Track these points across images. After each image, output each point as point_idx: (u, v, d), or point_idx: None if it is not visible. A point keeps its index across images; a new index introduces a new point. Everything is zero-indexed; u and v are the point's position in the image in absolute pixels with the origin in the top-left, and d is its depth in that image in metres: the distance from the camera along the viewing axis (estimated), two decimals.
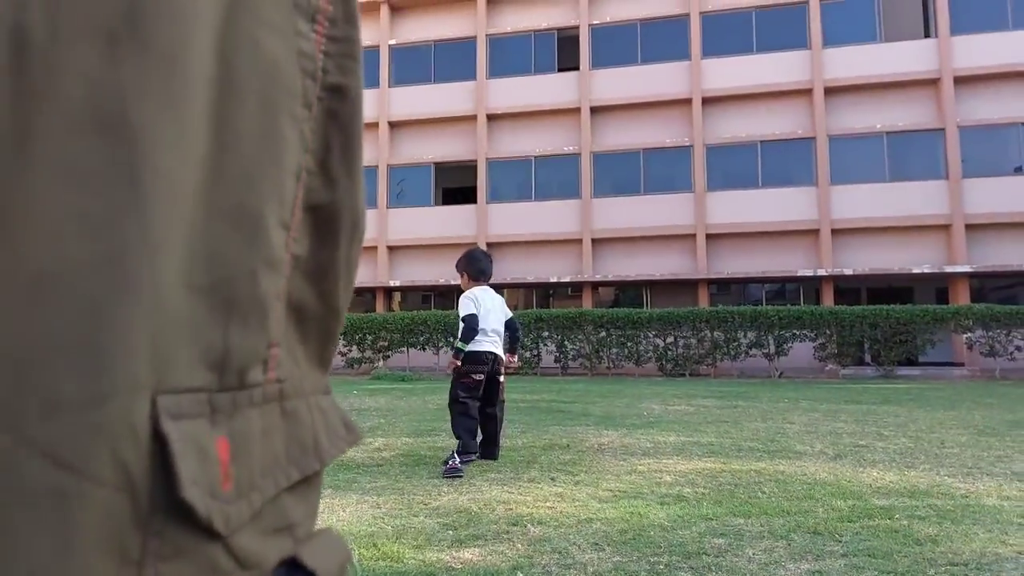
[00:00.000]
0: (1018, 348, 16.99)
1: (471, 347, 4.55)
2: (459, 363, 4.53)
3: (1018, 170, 20.51)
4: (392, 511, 3.12)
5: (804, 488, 3.58)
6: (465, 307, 4.65)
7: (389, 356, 19.72)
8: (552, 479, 3.88)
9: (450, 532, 2.74)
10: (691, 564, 2.34)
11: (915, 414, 7.57)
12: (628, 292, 23.27)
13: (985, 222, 20.14)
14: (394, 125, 24.52)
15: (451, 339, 18.93)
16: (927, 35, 21.56)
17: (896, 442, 5.35)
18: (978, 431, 6.05)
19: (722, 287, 22.73)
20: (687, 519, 2.94)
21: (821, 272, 20.65)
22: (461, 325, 4.59)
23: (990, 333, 17.24)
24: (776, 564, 2.33)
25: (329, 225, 0.32)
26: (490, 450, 4.57)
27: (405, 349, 19.46)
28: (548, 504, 3.24)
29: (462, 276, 4.89)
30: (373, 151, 24.46)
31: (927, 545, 2.56)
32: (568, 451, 4.93)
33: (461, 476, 3.94)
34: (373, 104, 24.50)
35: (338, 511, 3.14)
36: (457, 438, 4.38)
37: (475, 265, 4.86)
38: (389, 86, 24.50)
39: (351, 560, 0.33)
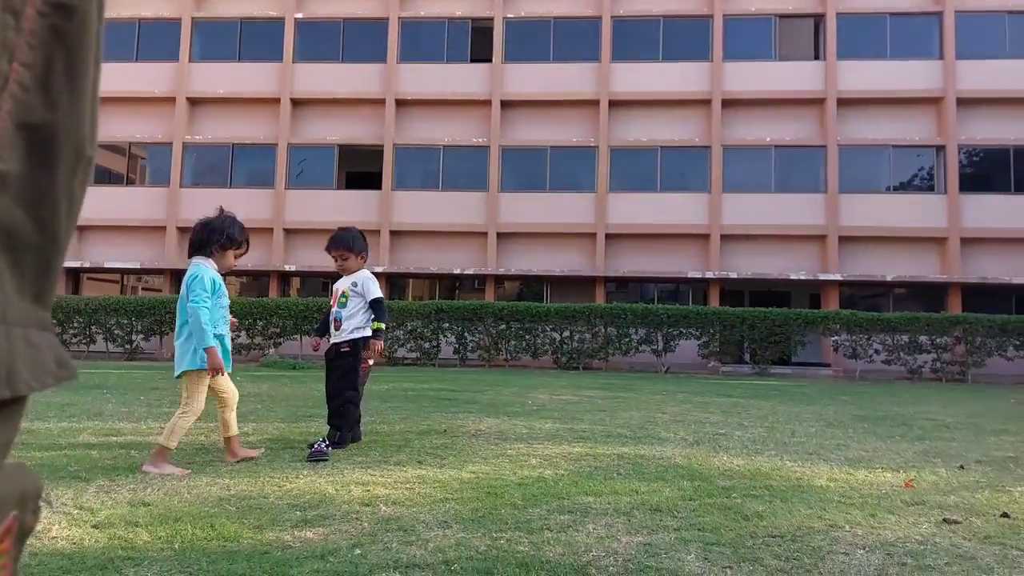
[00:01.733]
0: (876, 351, 18.53)
1: (368, 333, 4.44)
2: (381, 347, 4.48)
3: (888, 189, 22.29)
4: (241, 493, 3.02)
5: (658, 471, 3.75)
6: (377, 287, 4.59)
7: (280, 343, 19.12)
8: (419, 462, 3.88)
9: (297, 513, 2.69)
10: (532, 539, 2.40)
11: (777, 408, 8.09)
12: (531, 287, 23.58)
13: (856, 235, 21.75)
14: (297, 103, 23.70)
15: None
16: (816, 57, 23.01)
17: (752, 431, 5.70)
18: (827, 423, 6.54)
19: (620, 285, 23.43)
20: (540, 499, 3.01)
21: (709, 274, 21.69)
22: (377, 304, 4.50)
23: (853, 337, 18.68)
24: (611, 538, 2.43)
25: (46, 147, 0.31)
26: (356, 432, 4.58)
27: (298, 336, 18.92)
28: (407, 486, 3.24)
29: (356, 257, 4.61)
30: (273, 128, 23.56)
31: (753, 520, 2.75)
32: (443, 436, 4.94)
33: (327, 460, 3.84)
34: (275, 79, 23.58)
35: (182, 492, 3.01)
36: (337, 429, 4.22)
37: (366, 245, 4.76)
38: (293, 61, 23.65)
39: (42, 495, 0.33)
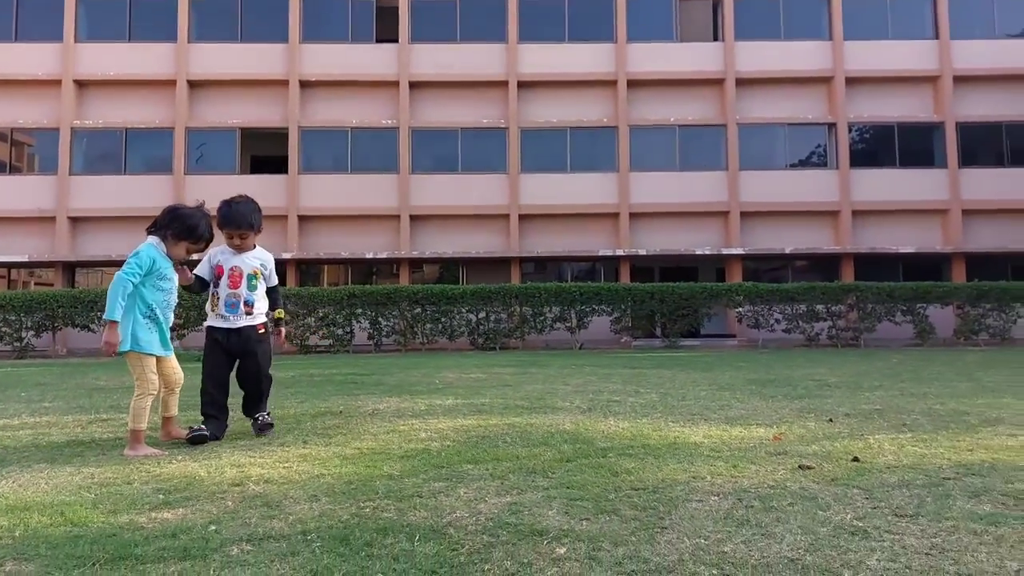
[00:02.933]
0: (777, 321, 19.52)
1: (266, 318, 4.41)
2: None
3: (785, 166, 23.39)
4: (104, 481, 2.89)
5: (543, 437, 3.84)
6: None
7: (185, 335, 18.31)
8: (304, 442, 3.82)
9: (160, 496, 2.60)
10: (399, 506, 2.41)
11: (676, 376, 8.41)
12: (447, 269, 23.49)
13: (757, 210, 22.76)
14: (194, 84, 22.60)
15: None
16: (715, 39, 23.77)
17: (646, 397, 5.91)
18: (719, 387, 6.85)
19: (537, 266, 23.68)
20: (419, 470, 3.03)
21: (619, 252, 22.23)
22: (276, 291, 4.38)
23: (756, 308, 19.60)
24: (479, 500, 2.48)
25: None
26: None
27: (201, 327, 18.16)
28: (285, 465, 3.18)
29: (255, 234, 4.23)
30: (169, 111, 22.40)
31: (621, 476, 2.85)
32: (338, 417, 4.88)
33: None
34: (170, 60, 22.38)
35: (40, 483, 2.85)
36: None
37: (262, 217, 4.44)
38: (189, 41, 22.50)
39: None
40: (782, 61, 23.13)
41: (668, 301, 19.18)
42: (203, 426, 3.92)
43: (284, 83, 22.59)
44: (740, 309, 19.72)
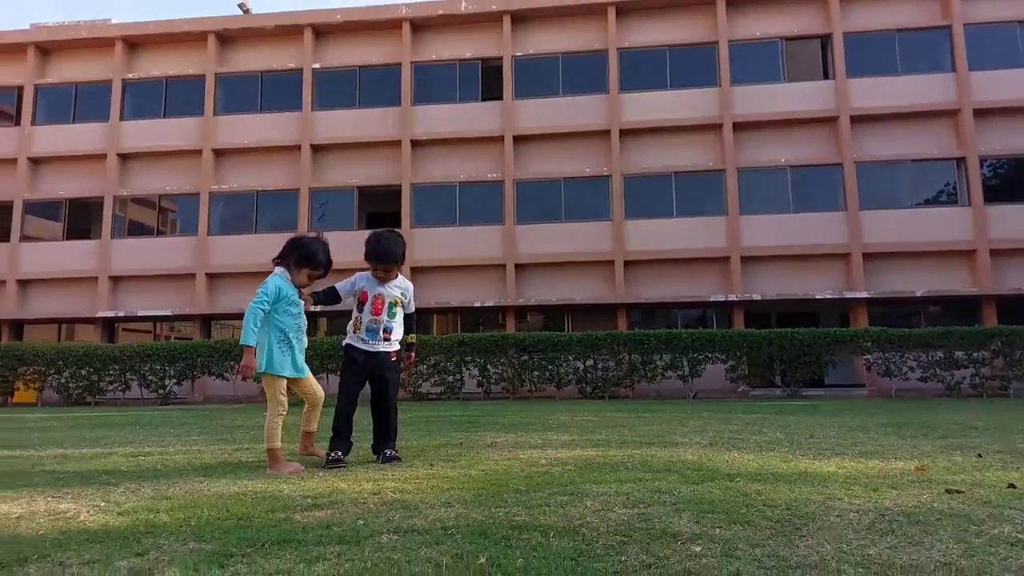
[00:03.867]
0: (911, 368, 18.14)
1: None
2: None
3: (911, 204, 22.10)
4: (257, 490, 3.16)
5: (666, 465, 3.80)
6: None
7: None
8: (431, 465, 3.98)
9: (309, 500, 2.81)
10: (529, 512, 2.49)
11: (802, 419, 8.02)
12: (553, 317, 23.64)
13: (881, 251, 21.54)
14: (317, 148, 24.40)
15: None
16: (826, 76, 23.15)
17: (770, 436, 5.69)
18: (849, 428, 6.49)
19: (645, 314, 23.39)
20: (544, 486, 3.09)
21: (732, 297, 21.58)
22: (412, 319, 4.61)
23: (886, 355, 18.34)
24: (607, 510, 2.51)
25: None
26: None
27: (325, 375, 19.10)
28: (416, 481, 3.34)
29: (399, 266, 4.51)
30: (295, 174, 24.25)
31: (751, 495, 2.80)
32: (459, 448, 5.03)
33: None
34: (296, 127, 24.36)
35: (203, 490, 3.15)
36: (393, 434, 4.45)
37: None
38: (312, 109, 24.43)
39: None
40: (901, 96, 22.15)
41: (788, 348, 18.32)
42: (337, 451, 4.14)
43: (397, 143, 23.97)
44: (869, 356, 18.52)
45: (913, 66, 22.43)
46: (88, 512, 2.62)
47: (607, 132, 23.08)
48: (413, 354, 4.56)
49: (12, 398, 20.21)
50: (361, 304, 4.37)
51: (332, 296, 4.41)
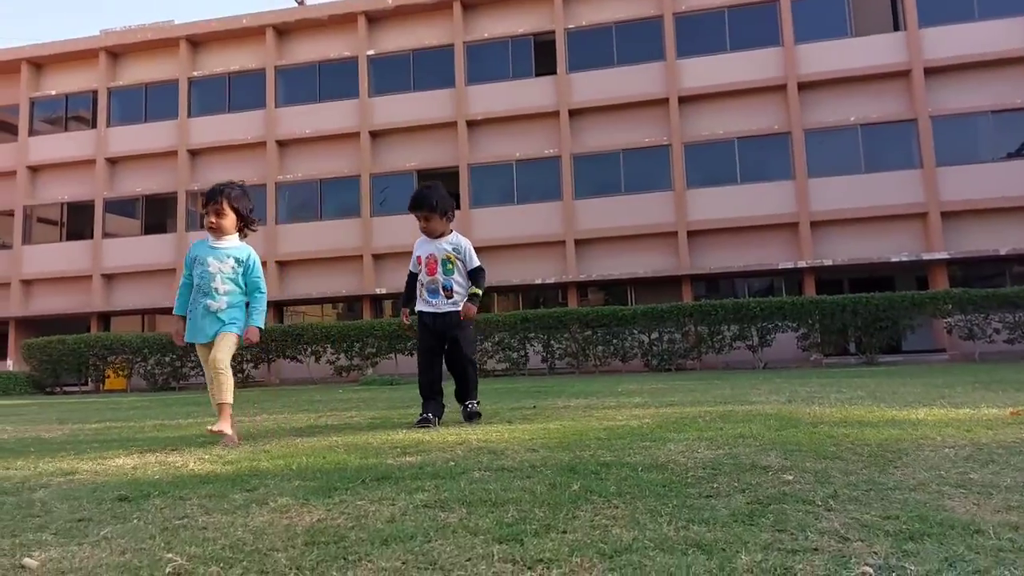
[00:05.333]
0: (996, 331, 17.26)
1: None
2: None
3: (992, 158, 20.89)
4: (348, 442, 3.30)
5: (744, 417, 3.77)
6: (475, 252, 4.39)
7: (377, 363, 19.83)
8: (508, 423, 4.06)
9: (398, 449, 2.92)
10: (614, 453, 2.52)
11: (882, 381, 7.77)
12: (615, 291, 23.47)
13: (960, 209, 20.49)
14: (375, 135, 24.78)
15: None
16: (896, 28, 22.01)
17: (849, 393, 5.55)
18: (934, 386, 6.25)
19: (710, 284, 22.98)
20: (623, 435, 3.12)
21: (802, 264, 20.94)
22: (480, 273, 4.38)
23: (968, 317, 17.49)
24: (692, 452, 2.51)
25: None
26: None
27: (393, 355, 19.58)
28: (497, 433, 3.42)
29: (440, 218, 4.29)
30: (355, 161, 24.70)
31: (838, 437, 2.75)
32: (532, 411, 5.10)
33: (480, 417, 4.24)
34: (354, 114, 24.77)
35: (297, 444, 3.31)
36: (475, 390, 4.44)
37: (453, 203, 4.49)
38: (369, 96, 24.78)
39: None
40: (979, 44, 20.85)
41: (862, 313, 17.68)
42: (426, 413, 4.12)
43: (453, 125, 24.10)
44: (949, 319, 17.71)
45: (992, 9, 21.06)
46: (195, 463, 2.80)
47: (665, 100, 22.61)
48: (474, 308, 4.31)
49: (104, 385, 21.48)
50: (419, 268, 4.34)
51: (411, 283, 4.40)
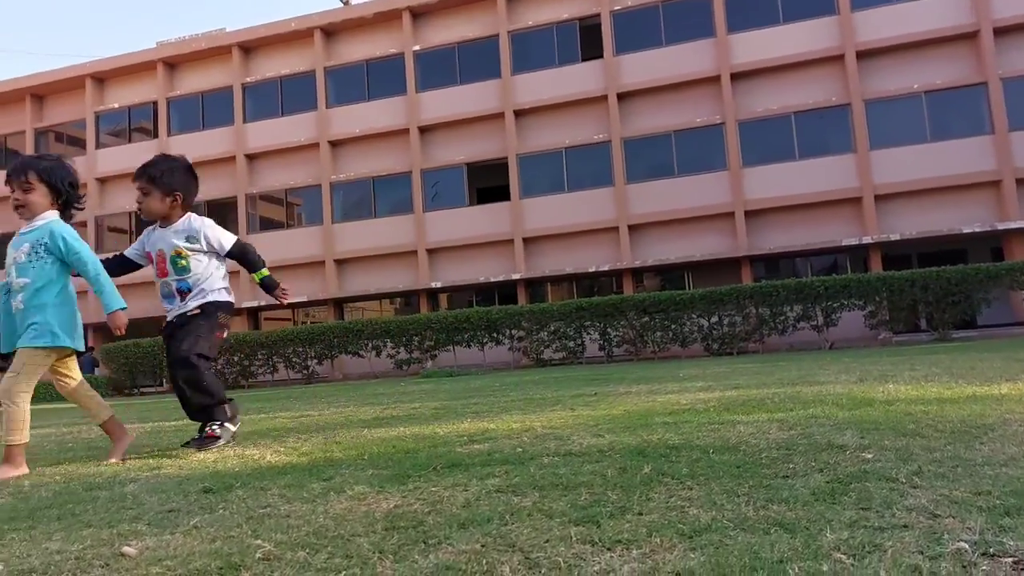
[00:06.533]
0: None
1: (222, 296, 3.49)
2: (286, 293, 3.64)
3: None
4: (415, 433, 3.36)
5: (815, 398, 3.67)
6: (223, 230, 3.55)
7: (436, 355, 20.08)
8: (571, 409, 4.06)
9: (465, 438, 2.96)
10: (682, 436, 2.49)
11: (957, 357, 7.45)
12: (671, 276, 23.14)
13: None
14: (424, 130, 24.99)
15: (496, 334, 19.17)
16: None
17: (924, 370, 5.34)
18: (1016, 360, 5.96)
19: (770, 265, 22.42)
20: (690, 418, 3.08)
21: (867, 240, 20.22)
22: (243, 251, 3.55)
23: None
24: (763, 433, 2.46)
25: None
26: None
27: (451, 347, 19.79)
28: (561, 420, 3.42)
29: (161, 196, 3.38)
30: (406, 157, 24.97)
31: (916, 415, 2.65)
32: (593, 397, 5.08)
33: (222, 443, 3.22)
34: (403, 110, 25.03)
35: (367, 436, 3.39)
36: (220, 402, 3.38)
37: (195, 186, 3.56)
38: (417, 92, 24.99)
39: None
40: None
41: (933, 288, 16.96)
42: (215, 428, 3.30)
43: (500, 116, 24.11)
44: None
45: None
46: (272, 455, 2.90)
47: (716, 78, 22.09)
48: (279, 292, 3.62)
49: None
50: (148, 262, 3.51)
51: (121, 265, 3.51)
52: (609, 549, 1.24)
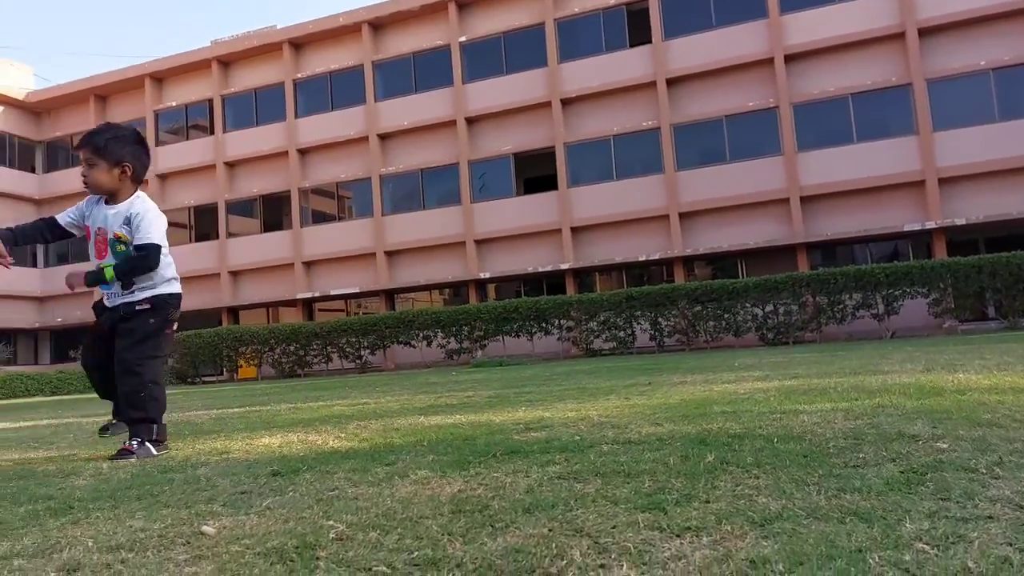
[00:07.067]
0: None
1: (173, 288, 3.18)
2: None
3: None
4: (471, 420, 3.40)
5: (880, 387, 3.56)
6: (159, 225, 3.11)
7: (486, 345, 20.21)
8: (626, 398, 4.03)
9: (521, 426, 2.97)
10: (743, 425, 2.45)
11: None
12: (723, 264, 22.71)
13: None
14: (471, 121, 25.06)
15: (545, 324, 19.19)
16: None
17: (995, 359, 5.12)
18: None
19: (826, 252, 21.80)
20: (749, 407, 3.03)
21: (930, 225, 19.47)
22: (151, 247, 3.02)
23: None
24: (828, 423, 2.40)
25: None
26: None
27: (500, 337, 19.88)
28: (617, 409, 3.41)
29: (108, 166, 3.03)
30: (453, 148, 25.09)
31: (991, 404, 2.55)
32: (648, 386, 5.04)
33: (150, 455, 2.91)
34: (450, 102, 25.14)
35: (424, 423, 3.44)
36: (151, 421, 3.01)
37: (146, 157, 3.21)
38: (463, 83, 25.06)
39: None
40: None
41: (1002, 275, 16.22)
42: (132, 444, 2.97)
43: (547, 105, 23.99)
44: None
45: None
46: (334, 440, 2.97)
47: (770, 60, 21.51)
48: (77, 275, 3.10)
49: (237, 374, 23.14)
50: (87, 241, 3.17)
51: (39, 224, 3.18)
52: (678, 536, 1.23)
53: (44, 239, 3.19)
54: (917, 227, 19.66)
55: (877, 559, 1.03)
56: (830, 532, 1.17)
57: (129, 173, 3.07)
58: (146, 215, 3.05)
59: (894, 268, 17.07)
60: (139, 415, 2.99)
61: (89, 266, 3.17)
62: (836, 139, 20.81)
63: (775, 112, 21.44)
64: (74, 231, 3.17)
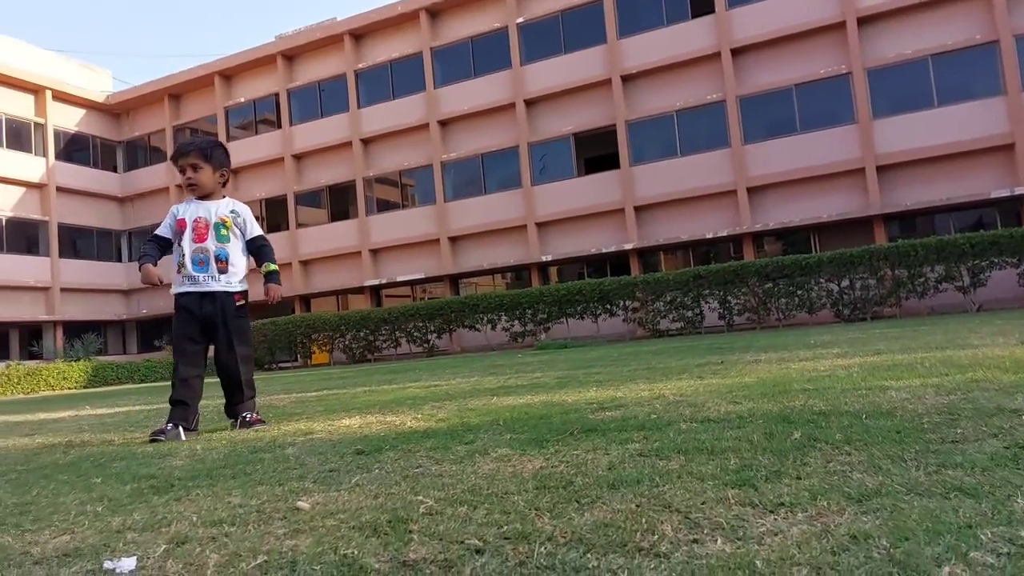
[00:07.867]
0: None
1: (245, 284, 3.60)
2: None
3: None
4: (545, 400, 3.42)
5: (972, 361, 3.39)
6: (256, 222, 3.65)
7: (549, 327, 20.22)
8: (699, 378, 3.97)
9: (595, 405, 2.97)
10: (828, 402, 2.38)
11: None
12: (794, 239, 21.97)
13: None
14: (530, 103, 24.92)
15: (609, 305, 19.06)
16: None
17: None
18: None
19: (904, 223, 20.80)
20: (832, 384, 2.93)
21: (1020, 191, 18.29)
22: (265, 243, 3.63)
23: None
24: (918, 398, 2.31)
25: None
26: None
27: (564, 320, 19.84)
28: (692, 387, 3.36)
29: (213, 170, 3.50)
30: (513, 132, 25.03)
31: None
32: (720, 366, 4.95)
33: (264, 424, 3.46)
34: (508, 85, 25.06)
35: (496, 404, 3.48)
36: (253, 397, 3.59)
37: (229, 162, 3.67)
38: (522, 64, 24.92)
39: None
40: None
41: None
42: (170, 422, 3.30)
43: (607, 82, 23.61)
44: None
45: None
46: (412, 421, 3.04)
47: (841, 24, 20.53)
48: (275, 285, 3.55)
49: (311, 360, 23.92)
50: (180, 235, 3.44)
51: (153, 243, 3.49)
52: (771, 511, 1.21)
53: (163, 253, 3.55)
54: (1005, 193, 18.50)
55: (989, 535, 0.99)
56: (934, 508, 1.13)
57: (227, 178, 3.60)
58: (248, 213, 3.60)
59: (980, 237, 16.13)
60: (253, 393, 3.59)
61: (174, 257, 3.54)
62: (915, 104, 19.74)
63: (848, 78, 20.48)
64: (171, 235, 3.51)
